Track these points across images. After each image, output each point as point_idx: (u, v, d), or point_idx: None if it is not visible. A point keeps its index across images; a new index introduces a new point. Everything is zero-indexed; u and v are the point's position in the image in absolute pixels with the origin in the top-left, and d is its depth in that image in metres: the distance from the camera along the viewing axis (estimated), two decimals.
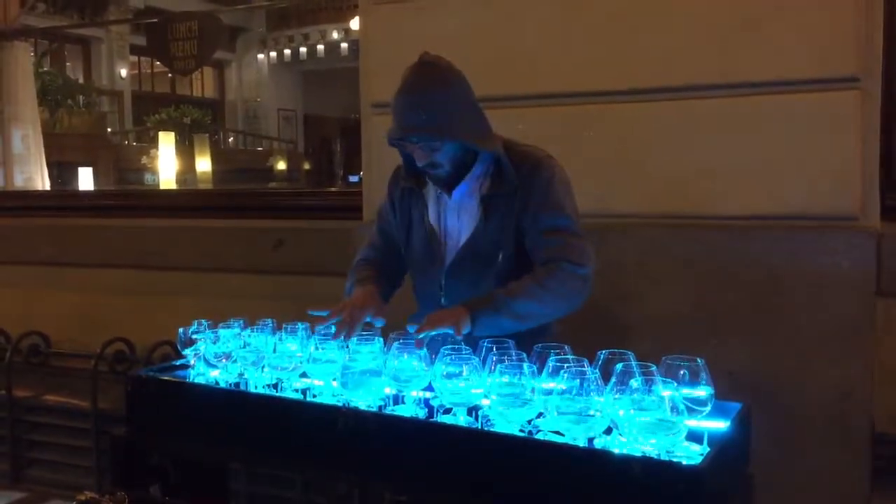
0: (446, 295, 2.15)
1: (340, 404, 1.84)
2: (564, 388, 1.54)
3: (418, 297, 2.29)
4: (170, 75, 18.33)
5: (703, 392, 1.60)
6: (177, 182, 12.03)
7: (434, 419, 1.75)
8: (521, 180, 2.07)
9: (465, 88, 2.08)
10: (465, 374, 1.69)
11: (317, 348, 1.94)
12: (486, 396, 1.68)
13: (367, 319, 2.09)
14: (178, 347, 2.17)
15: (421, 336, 1.87)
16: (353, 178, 15.91)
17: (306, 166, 21.25)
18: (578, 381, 1.53)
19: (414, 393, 1.82)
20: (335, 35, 19.32)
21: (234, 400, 2.02)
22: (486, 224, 2.10)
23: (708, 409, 1.59)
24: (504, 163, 2.07)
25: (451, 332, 1.91)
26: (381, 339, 1.92)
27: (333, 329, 1.99)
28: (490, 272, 2.09)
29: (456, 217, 2.16)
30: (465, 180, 2.12)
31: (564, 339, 1.81)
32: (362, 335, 1.92)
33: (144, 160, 14.30)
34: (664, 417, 1.45)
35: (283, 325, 2.07)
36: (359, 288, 2.21)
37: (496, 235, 2.10)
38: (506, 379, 1.63)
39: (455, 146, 2.05)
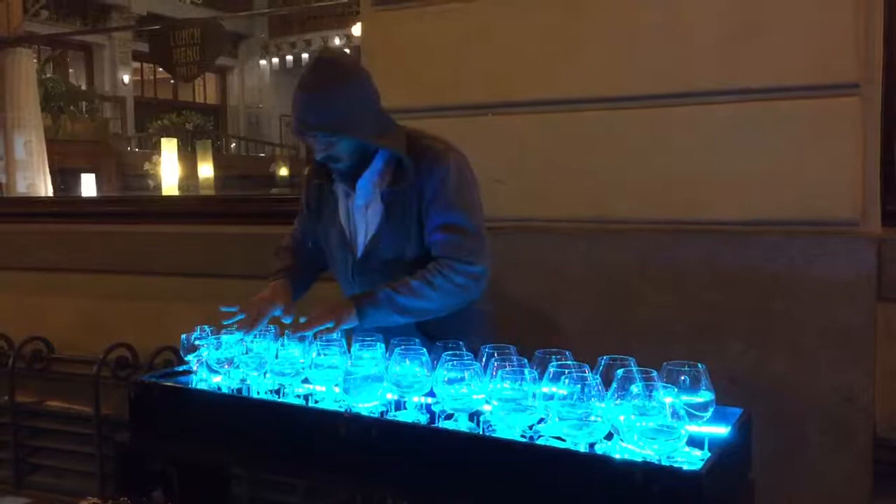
0: (359, 288, 2.20)
1: (342, 410, 1.85)
2: (566, 393, 1.54)
3: (340, 286, 2.34)
4: (172, 82, 18.37)
5: (703, 397, 1.60)
6: (179, 188, 12.06)
7: (436, 425, 1.75)
8: (420, 176, 2.09)
9: (363, 85, 2.10)
10: (466, 379, 1.69)
11: (319, 354, 1.94)
12: (487, 402, 1.68)
13: (276, 314, 2.15)
14: (181, 353, 2.18)
15: (303, 334, 1.99)
16: None
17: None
18: (579, 386, 1.54)
19: (415, 398, 1.82)
20: (337, 41, 19.38)
21: (237, 406, 2.02)
22: (387, 220, 2.14)
23: (709, 414, 1.59)
24: (404, 159, 2.09)
25: (331, 325, 2.00)
26: (383, 345, 1.93)
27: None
28: (398, 266, 2.13)
29: (363, 212, 2.19)
30: (365, 175, 2.14)
31: (566, 345, 1.81)
32: (364, 340, 1.92)
33: (147, 166, 14.31)
34: (665, 423, 1.46)
35: (286, 331, 2.08)
36: (270, 282, 2.28)
37: (399, 231, 2.13)
38: (507, 384, 1.64)
39: (352, 141, 2.08)
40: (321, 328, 2.01)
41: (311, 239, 2.37)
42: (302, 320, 2.03)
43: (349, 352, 1.93)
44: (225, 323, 2.13)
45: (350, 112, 2.04)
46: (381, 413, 1.82)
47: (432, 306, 2.07)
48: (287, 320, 2.14)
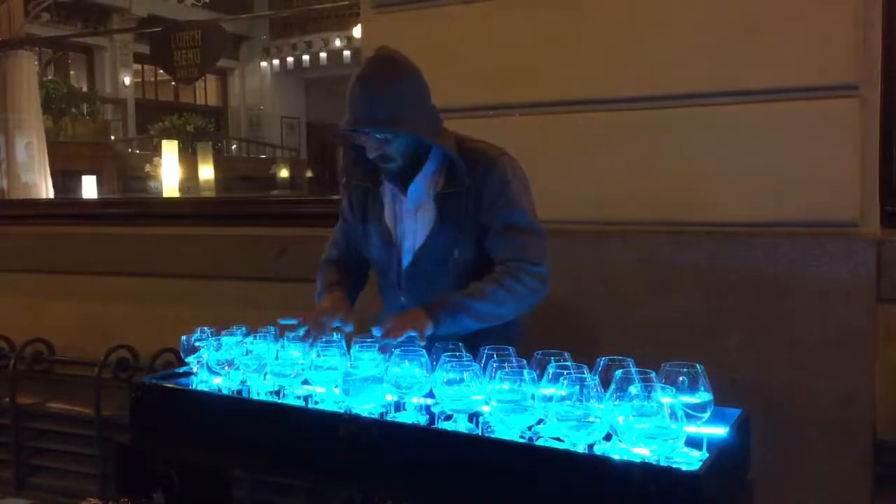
0: (406, 293, 2.18)
1: (342, 411, 1.85)
2: (564, 394, 1.55)
3: (382, 293, 2.32)
4: (173, 83, 18.37)
5: (702, 398, 1.60)
6: (180, 190, 12.06)
7: (435, 426, 1.76)
8: (476, 179, 2.08)
9: (420, 84, 2.09)
10: (465, 380, 1.70)
11: (319, 355, 1.95)
12: (486, 403, 1.69)
13: (337, 324, 2.11)
14: (182, 355, 2.18)
15: (388, 343, 1.90)
16: None
17: (309, 174, 21.28)
18: (578, 387, 1.54)
19: (415, 400, 1.83)
20: (338, 43, 19.36)
21: (237, 407, 2.03)
22: (441, 224, 2.12)
23: (707, 415, 1.60)
24: (456, 160, 2.07)
25: (415, 335, 1.95)
26: None
27: (301, 332, 2.02)
28: (448, 271, 2.11)
29: (413, 216, 2.17)
30: (418, 177, 2.13)
31: (565, 345, 1.81)
32: (364, 342, 1.93)
33: (148, 168, 14.30)
34: (663, 424, 1.46)
35: (286, 333, 2.08)
36: (327, 295, 2.24)
37: (453, 235, 2.11)
38: (506, 385, 1.64)
39: (407, 140, 2.06)
40: (405, 338, 1.95)
41: (355, 246, 2.33)
42: (377, 332, 1.95)
43: (349, 353, 1.94)
44: (290, 335, 2.06)
45: (407, 108, 2.02)
46: (381, 414, 1.83)
47: (505, 311, 2.06)
48: (348, 328, 2.12)
